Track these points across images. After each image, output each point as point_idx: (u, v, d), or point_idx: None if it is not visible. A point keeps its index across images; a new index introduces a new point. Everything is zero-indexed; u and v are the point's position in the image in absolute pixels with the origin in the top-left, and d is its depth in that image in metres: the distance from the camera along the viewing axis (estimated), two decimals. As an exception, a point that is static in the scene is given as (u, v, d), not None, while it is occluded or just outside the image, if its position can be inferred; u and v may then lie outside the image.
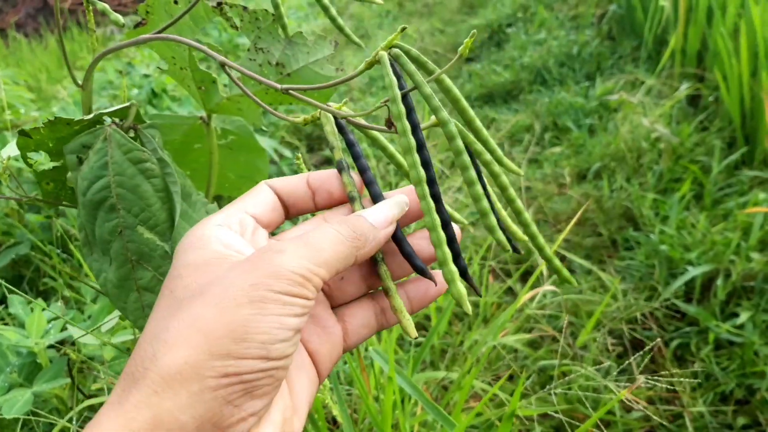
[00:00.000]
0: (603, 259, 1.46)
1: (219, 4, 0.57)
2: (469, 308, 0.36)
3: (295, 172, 2.11)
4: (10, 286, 1.01)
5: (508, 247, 0.40)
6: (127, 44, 0.50)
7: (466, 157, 0.37)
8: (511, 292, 1.34)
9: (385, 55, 0.37)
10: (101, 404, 1.13)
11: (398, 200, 0.37)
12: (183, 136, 0.77)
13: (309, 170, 0.59)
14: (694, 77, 2.00)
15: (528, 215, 0.43)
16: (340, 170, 0.41)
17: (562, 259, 1.46)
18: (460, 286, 0.36)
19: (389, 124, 0.38)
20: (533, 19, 2.77)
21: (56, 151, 0.56)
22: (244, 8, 0.58)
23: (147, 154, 0.51)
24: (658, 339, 0.89)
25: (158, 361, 0.27)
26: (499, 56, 2.58)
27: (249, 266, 0.29)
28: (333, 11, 0.55)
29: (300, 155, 0.55)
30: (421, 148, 0.38)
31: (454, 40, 2.77)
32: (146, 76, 2.40)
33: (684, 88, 1.85)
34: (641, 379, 0.68)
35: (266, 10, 0.58)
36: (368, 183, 0.41)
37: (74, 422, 0.97)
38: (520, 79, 2.34)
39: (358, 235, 0.33)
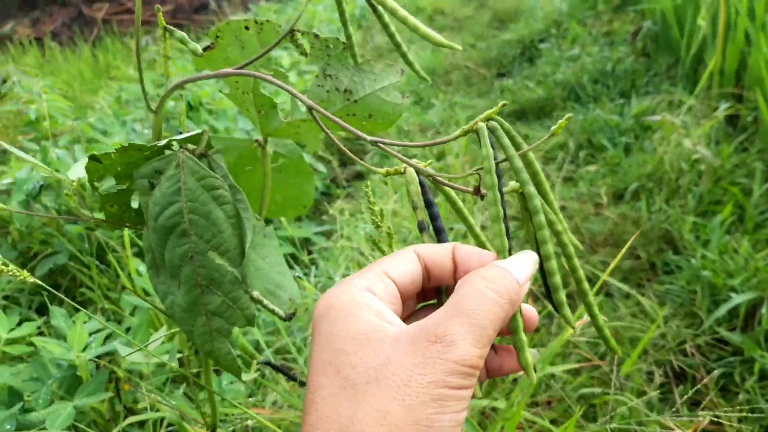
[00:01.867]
0: (642, 282, 1.44)
1: (291, 31, 0.58)
2: (534, 379, 0.36)
3: (328, 188, 2.14)
4: (56, 292, 1.02)
5: (574, 324, 0.40)
6: (206, 77, 0.51)
7: (547, 232, 0.38)
8: (549, 314, 1.33)
9: (484, 127, 0.38)
10: (144, 422, 1.14)
11: (534, 257, 0.37)
12: (236, 158, 0.78)
13: (369, 195, 0.59)
14: (733, 97, 1.97)
15: (587, 285, 0.43)
16: (422, 230, 0.42)
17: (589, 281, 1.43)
18: (529, 355, 0.37)
19: (477, 191, 0.39)
20: (566, 35, 2.76)
21: (124, 175, 0.57)
22: (316, 36, 0.58)
23: (219, 181, 0.51)
24: (702, 370, 0.87)
25: None
26: (532, 72, 2.58)
27: (421, 358, 0.30)
28: (404, 48, 0.56)
29: (368, 185, 0.55)
30: (504, 217, 0.39)
31: (485, 54, 2.77)
32: (182, 88, 2.44)
33: (723, 108, 1.82)
34: (706, 420, 0.66)
35: (337, 38, 0.59)
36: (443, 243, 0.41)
37: (119, 437, 0.97)
38: (553, 96, 2.33)
39: (513, 299, 0.33)
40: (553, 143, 2.02)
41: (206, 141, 0.54)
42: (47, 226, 1.86)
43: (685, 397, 0.99)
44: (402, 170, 0.48)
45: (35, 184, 1.69)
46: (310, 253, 1.63)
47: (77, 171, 0.60)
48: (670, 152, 1.66)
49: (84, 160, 0.64)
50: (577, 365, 0.96)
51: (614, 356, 1.16)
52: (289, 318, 0.57)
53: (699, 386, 1.08)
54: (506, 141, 0.38)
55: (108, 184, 0.60)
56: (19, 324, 1.30)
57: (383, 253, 0.68)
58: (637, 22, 2.68)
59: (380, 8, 0.50)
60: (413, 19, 0.47)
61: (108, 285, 1.61)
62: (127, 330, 1.32)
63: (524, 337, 0.36)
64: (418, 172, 0.44)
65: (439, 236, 0.42)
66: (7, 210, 0.56)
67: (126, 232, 1.33)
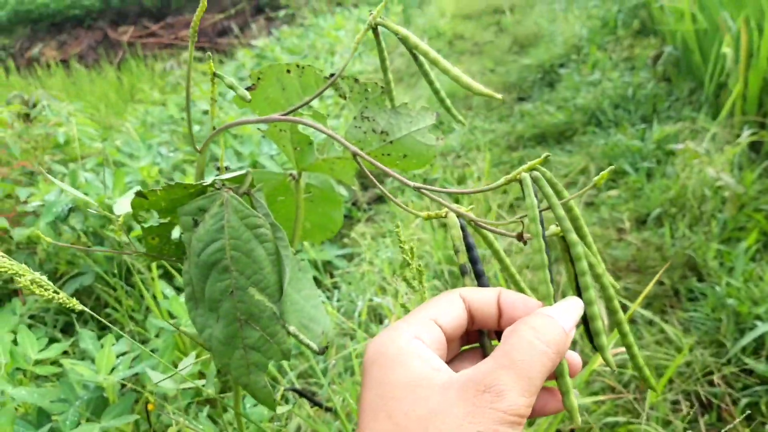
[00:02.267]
0: (665, 309, 1.43)
1: (332, 75, 0.60)
2: (579, 421, 0.37)
3: (350, 211, 2.15)
4: (91, 312, 1.04)
5: (615, 366, 0.41)
6: (253, 121, 0.53)
7: (589, 278, 0.39)
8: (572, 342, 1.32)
9: (527, 177, 0.39)
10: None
11: (579, 303, 0.37)
12: (269, 189, 0.80)
13: (399, 233, 0.61)
14: (755, 123, 1.96)
15: (627, 326, 0.44)
16: (464, 274, 0.43)
17: (623, 308, 1.43)
18: (573, 398, 0.38)
19: (521, 237, 0.40)
20: (586, 60, 2.78)
21: (167, 210, 0.59)
22: (356, 80, 0.60)
23: (262, 220, 0.53)
24: (728, 399, 0.86)
25: None
26: (552, 96, 2.59)
27: (471, 407, 0.31)
28: (437, 85, 0.57)
29: (399, 225, 0.56)
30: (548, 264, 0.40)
31: (505, 79, 2.80)
32: (205, 112, 2.49)
33: (746, 135, 1.82)
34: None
35: (376, 83, 0.61)
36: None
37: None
38: (573, 120, 2.33)
39: (560, 350, 0.33)
40: (575, 168, 2.03)
41: (249, 181, 0.56)
42: (71, 249, 1.90)
43: (710, 424, 0.98)
44: (443, 215, 0.49)
45: (64, 207, 1.73)
46: (332, 276, 1.64)
47: (123, 206, 0.62)
48: (693, 179, 1.65)
49: (129, 196, 0.66)
50: (603, 397, 0.96)
51: (641, 386, 1.15)
52: (322, 352, 0.59)
53: (722, 413, 1.07)
54: (549, 190, 0.39)
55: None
56: (48, 344, 1.33)
57: (414, 289, 0.70)
58: (657, 47, 2.69)
59: (421, 58, 0.52)
60: (455, 71, 0.48)
61: (133, 306, 1.63)
62: (152, 351, 1.34)
63: (569, 381, 0.36)
64: (459, 216, 0.45)
65: (480, 280, 0.43)
66: (47, 241, 0.58)
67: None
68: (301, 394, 0.86)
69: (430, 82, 0.61)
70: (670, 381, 1.20)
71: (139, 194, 0.56)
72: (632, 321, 1.40)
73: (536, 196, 0.40)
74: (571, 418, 0.38)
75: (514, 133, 2.40)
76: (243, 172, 0.55)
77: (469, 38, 3.21)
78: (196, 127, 2.26)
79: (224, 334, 0.54)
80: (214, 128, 0.55)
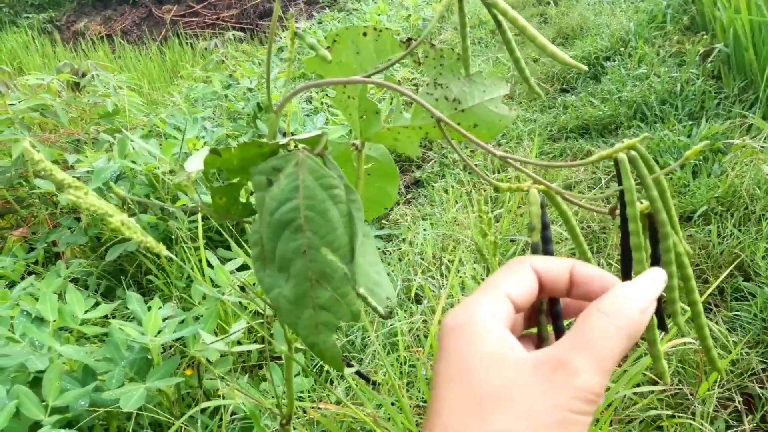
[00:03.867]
0: (710, 307, 1.41)
1: (409, 39, 0.60)
2: (668, 380, 0.37)
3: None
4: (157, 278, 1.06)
5: (669, 381, 0.42)
6: (334, 82, 0.53)
7: (672, 255, 0.39)
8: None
9: (624, 158, 0.39)
10: (219, 407, 1.18)
11: (660, 276, 0.36)
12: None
13: (481, 203, 0.61)
14: (810, 123, 1.90)
15: (701, 306, 0.43)
16: (535, 252, 0.43)
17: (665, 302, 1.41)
18: (664, 364, 0.38)
19: (613, 212, 0.40)
20: (633, 54, 2.72)
21: (238, 169, 0.60)
22: (432, 45, 0.60)
23: (337, 181, 0.54)
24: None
25: None
26: (596, 89, 2.54)
27: (546, 383, 0.31)
28: (522, 63, 0.57)
29: (482, 195, 0.56)
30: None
31: (549, 69, 2.76)
32: (250, 90, 2.51)
33: (799, 134, 1.77)
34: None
35: (452, 48, 0.61)
36: None
37: (198, 421, 1.01)
38: (618, 114, 2.29)
39: (636, 331, 0.33)
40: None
41: (324, 142, 0.56)
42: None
43: (754, 421, 0.97)
44: (525, 188, 0.49)
45: (112, 174, 1.77)
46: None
47: (193, 164, 0.63)
48: (745, 177, 1.62)
49: (200, 153, 0.67)
50: (653, 388, 0.95)
51: (677, 377, 1.14)
52: (388, 316, 0.59)
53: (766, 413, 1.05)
54: (644, 171, 0.39)
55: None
56: (94, 306, 1.37)
57: (486, 261, 0.70)
58: (707, 44, 2.62)
59: (505, 25, 0.52)
60: (541, 38, 0.48)
61: (175, 274, 1.67)
62: (196, 318, 1.37)
63: (660, 348, 0.36)
64: (542, 190, 0.45)
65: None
66: (120, 194, 0.59)
67: (200, 225, 1.38)
68: (347, 365, 0.87)
69: (512, 50, 0.60)
70: (716, 379, 1.18)
71: (213, 151, 0.57)
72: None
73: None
74: (663, 379, 0.38)
75: (557, 124, 2.37)
76: (318, 133, 0.56)
77: (512, 28, 3.16)
78: (240, 104, 2.29)
79: (294, 294, 0.55)
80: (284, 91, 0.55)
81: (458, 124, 0.65)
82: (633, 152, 0.40)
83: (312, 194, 0.54)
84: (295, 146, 0.57)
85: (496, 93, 0.63)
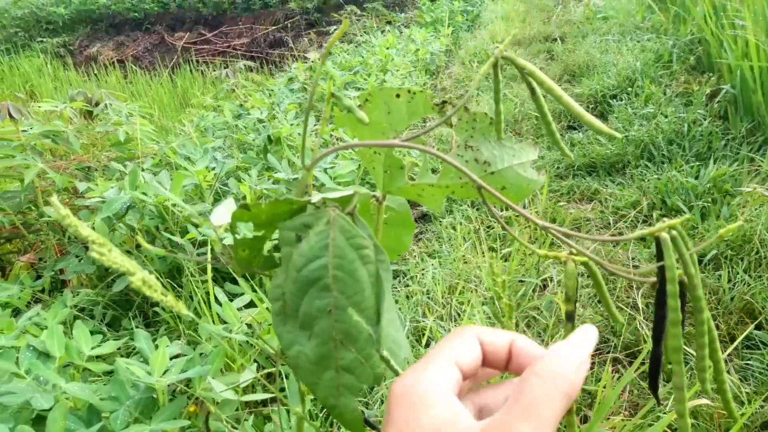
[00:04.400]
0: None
1: (443, 102, 0.60)
2: None
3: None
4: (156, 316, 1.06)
5: None
6: (371, 144, 0.54)
7: (707, 338, 0.39)
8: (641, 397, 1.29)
9: (667, 238, 0.39)
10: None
11: (592, 333, 0.37)
12: (349, 210, 0.81)
13: (493, 266, 0.61)
14: (818, 168, 1.91)
15: (723, 365, 0.44)
16: (569, 320, 0.44)
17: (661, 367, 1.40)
18: (688, 421, 0.39)
19: (655, 285, 0.41)
20: (640, 93, 2.75)
21: (265, 224, 0.60)
22: (466, 109, 0.61)
23: (367, 241, 0.54)
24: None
25: None
26: (604, 128, 2.56)
27: None
28: (554, 127, 0.58)
29: (493, 261, 0.57)
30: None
31: (554, 106, 2.78)
32: (260, 121, 2.53)
33: (809, 180, 1.77)
34: None
35: (485, 113, 0.62)
36: None
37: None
38: (625, 153, 2.31)
39: (573, 390, 0.34)
40: (626, 202, 2.00)
41: (355, 202, 0.57)
42: (125, 244, 1.95)
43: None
44: (562, 259, 0.49)
45: (123, 205, 1.77)
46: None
47: (220, 217, 0.64)
48: (755, 221, 1.62)
49: (226, 204, 0.68)
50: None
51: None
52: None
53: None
54: (685, 251, 0.39)
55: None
56: (95, 338, 1.35)
57: (503, 325, 0.70)
58: (713, 84, 2.65)
59: (539, 92, 0.53)
60: (577, 107, 0.49)
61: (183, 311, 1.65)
62: (202, 355, 1.36)
63: (686, 405, 0.37)
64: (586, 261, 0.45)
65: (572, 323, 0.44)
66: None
67: (209, 261, 1.38)
68: (369, 424, 0.86)
69: (544, 114, 0.61)
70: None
71: (243, 206, 0.57)
72: (687, 363, 1.37)
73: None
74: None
75: (564, 162, 2.39)
76: (349, 192, 0.56)
77: (511, 68, 3.22)
78: (250, 135, 2.30)
79: (316, 354, 0.55)
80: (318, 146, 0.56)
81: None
82: (674, 232, 0.40)
83: (342, 253, 0.54)
84: (324, 203, 0.58)
85: (525, 157, 0.63)
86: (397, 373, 0.57)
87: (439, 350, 0.38)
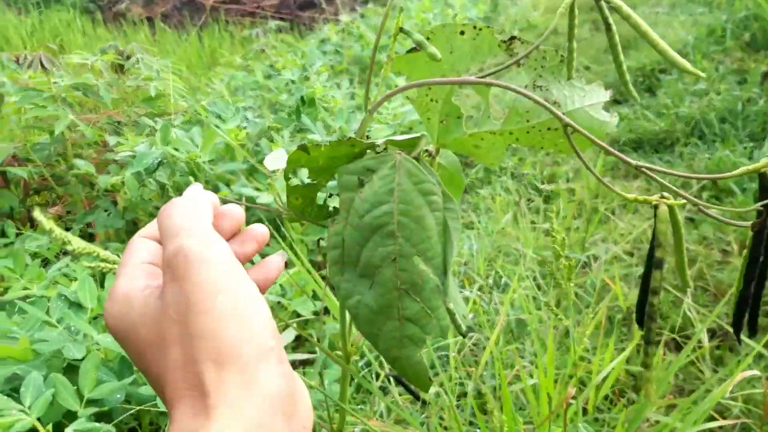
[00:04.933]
0: (773, 340, 1.32)
1: (512, 39, 0.54)
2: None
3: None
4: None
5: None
6: (443, 82, 0.48)
7: None
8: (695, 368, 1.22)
9: None
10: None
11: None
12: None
13: (553, 221, 0.55)
14: None
15: None
16: (658, 267, 0.41)
17: (725, 335, 1.33)
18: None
19: (755, 227, 0.40)
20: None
21: (322, 169, 0.55)
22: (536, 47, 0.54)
23: (436, 187, 0.49)
24: None
25: (209, 382, 0.30)
26: (651, 102, 2.45)
27: (170, 274, 0.34)
28: (624, 68, 0.51)
29: (555, 210, 0.51)
30: None
31: (601, 79, 2.67)
32: (292, 82, 2.47)
33: None
34: None
35: (555, 50, 0.55)
36: None
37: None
38: (675, 130, 2.20)
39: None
40: (675, 181, 1.91)
41: (422, 145, 0.51)
42: (154, 200, 1.92)
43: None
44: (654, 202, 0.44)
45: (154, 160, 1.74)
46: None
47: (274, 161, 0.58)
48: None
49: (279, 151, 0.62)
50: (720, 423, 0.88)
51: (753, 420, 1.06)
52: (465, 334, 0.54)
53: None
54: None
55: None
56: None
57: (561, 288, 0.64)
58: (769, 62, 2.51)
59: (614, 29, 0.46)
60: (663, 44, 0.42)
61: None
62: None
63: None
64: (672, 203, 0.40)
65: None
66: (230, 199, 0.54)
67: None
68: (401, 383, 0.82)
69: (617, 55, 0.54)
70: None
71: (301, 148, 0.51)
72: (731, 350, 1.30)
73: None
74: None
75: (609, 136, 2.29)
76: (417, 135, 0.51)
77: (562, 33, 3.08)
78: (283, 96, 2.25)
79: (378, 303, 0.50)
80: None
81: (555, 129, 0.59)
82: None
83: (408, 199, 0.48)
84: (384, 149, 0.52)
85: (596, 99, 0.57)
86: (459, 329, 0.52)
87: (132, 244, 0.40)
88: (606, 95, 0.57)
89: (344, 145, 0.51)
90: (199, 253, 0.33)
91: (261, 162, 1.93)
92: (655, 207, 0.44)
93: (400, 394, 1.00)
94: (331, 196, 0.57)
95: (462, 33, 0.57)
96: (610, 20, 0.46)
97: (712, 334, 1.33)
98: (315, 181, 0.57)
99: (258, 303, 0.33)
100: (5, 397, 0.94)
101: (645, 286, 0.46)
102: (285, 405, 0.30)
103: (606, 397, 1.09)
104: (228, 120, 1.98)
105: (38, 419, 0.90)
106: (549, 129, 0.57)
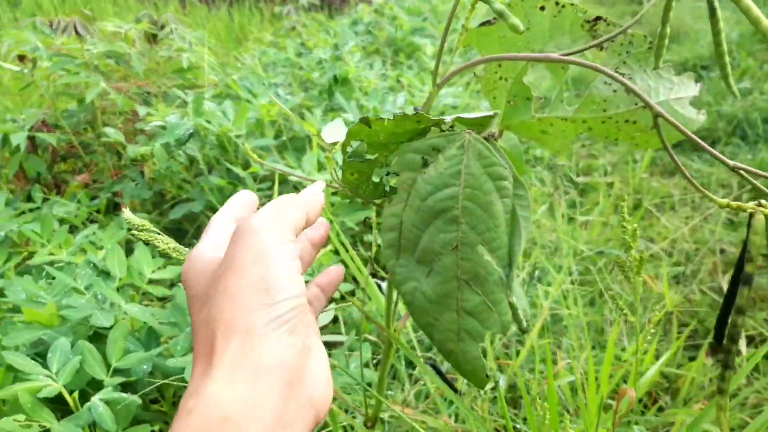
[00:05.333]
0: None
1: (597, 19, 0.50)
2: None
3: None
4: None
5: None
6: (519, 57, 0.45)
7: None
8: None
9: None
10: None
11: (319, 183, 0.46)
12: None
13: (624, 211, 0.52)
14: None
15: None
16: (746, 283, 0.37)
17: (762, 340, 1.29)
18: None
19: None
20: (735, 66, 2.54)
21: (382, 144, 0.52)
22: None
23: (507, 171, 0.46)
24: None
25: (219, 337, 0.32)
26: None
27: (238, 236, 0.36)
28: (727, 58, 0.47)
29: (625, 201, 0.47)
30: None
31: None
32: (324, 60, 2.44)
33: None
34: None
35: (645, 35, 0.52)
36: None
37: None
38: (716, 128, 2.13)
39: (306, 204, 0.41)
40: (714, 179, 1.86)
41: (494, 125, 0.48)
42: (183, 173, 1.91)
43: None
44: (749, 210, 0.40)
45: (185, 131, 1.72)
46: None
47: (331, 134, 0.56)
48: None
49: (336, 123, 0.60)
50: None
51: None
52: (526, 330, 0.51)
53: None
54: None
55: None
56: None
57: (628, 280, 0.61)
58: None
59: (719, 13, 0.42)
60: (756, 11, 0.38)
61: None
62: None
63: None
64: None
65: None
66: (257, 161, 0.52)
67: (275, 192, 1.32)
68: (438, 372, 0.79)
69: (719, 43, 0.50)
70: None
71: (363, 120, 0.49)
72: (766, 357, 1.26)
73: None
74: None
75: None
76: (489, 113, 0.47)
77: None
78: (315, 74, 2.21)
79: (436, 292, 0.48)
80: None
81: (634, 122, 0.56)
82: None
83: (476, 183, 0.45)
84: (451, 127, 0.49)
85: (684, 92, 0.53)
86: (521, 324, 0.49)
87: (213, 220, 0.42)
88: (696, 89, 0.53)
89: (409, 120, 0.48)
90: (255, 225, 0.35)
91: (292, 139, 1.91)
92: (750, 215, 0.41)
93: (432, 383, 0.98)
94: (388, 174, 0.54)
95: (542, 8, 0.53)
96: (716, 4, 0.42)
97: (749, 340, 1.29)
98: (373, 157, 0.54)
99: (290, 281, 0.34)
100: (33, 362, 0.94)
101: (729, 303, 0.43)
102: (286, 374, 0.32)
103: (639, 400, 1.06)
104: (259, 95, 1.96)
105: (64, 386, 0.90)
106: (627, 121, 0.54)
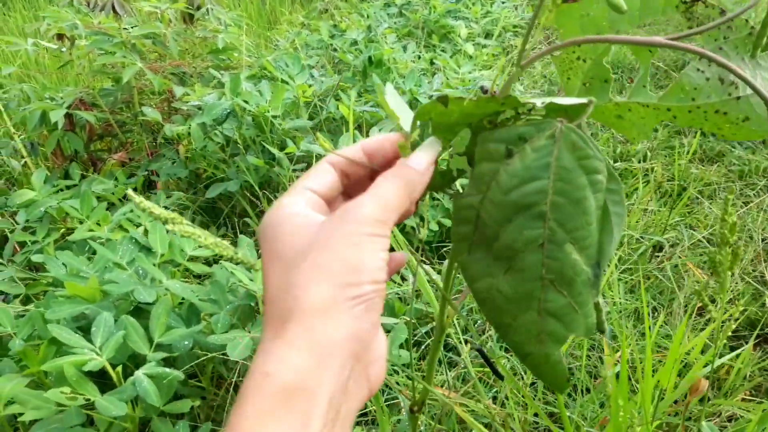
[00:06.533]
0: None
1: (695, 0, 0.47)
2: None
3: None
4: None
5: None
6: (616, 40, 0.42)
7: None
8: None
9: None
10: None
11: (435, 143, 0.44)
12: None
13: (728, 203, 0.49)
14: None
15: None
16: None
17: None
18: None
19: None
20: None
21: (450, 126, 0.49)
22: (722, 12, 0.47)
23: (602, 165, 0.43)
24: None
25: (301, 303, 0.33)
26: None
27: (340, 220, 0.36)
28: None
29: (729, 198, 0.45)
30: None
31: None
32: (357, 42, 2.41)
33: None
34: None
35: (746, 20, 0.48)
36: None
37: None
38: (760, 117, 2.06)
39: (414, 189, 0.40)
40: (755, 166, 1.80)
41: (588, 114, 0.46)
42: (219, 153, 1.91)
43: None
44: None
45: (223, 111, 1.72)
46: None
47: (392, 96, 0.52)
48: None
49: (388, 87, 0.56)
50: None
51: None
52: (603, 330, 0.49)
53: None
54: None
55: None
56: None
57: (719, 277, 0.58)
58: None
59: None
60: None
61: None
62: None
63: None
64: None
65: None
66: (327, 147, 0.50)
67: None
68: (485, 358, 0.78)
69: None
70: None
71: (440, 99, 0.46)
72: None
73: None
74: None
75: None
76: (584, 100, 0.45)
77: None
78: (349, 55, 2.19)
79: (515, 291, 0.45)
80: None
81: (725, 113, 0.52)
82: None
83: (568, 177, 0.43)
84: (530, 111, 0.47)
85: (787, 85, 0.50)
86: (602, 326, 0.47)
87: (293, 185, 0.41)
88: (804, 84, 0.50)
89: (493, 102, 0.45)
90: (359, 218, 0.36)
91: (326, 120, 1.89)
92: None
93: (473, 367, 0.96)
94: (452, 157, 0.51)
95: (629, -17, 0.50)
96: None
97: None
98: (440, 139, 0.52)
99: (378, 269, 0.36)
100: (78, 336, 0.95)
101: None
102: (356, 348, 0.34)
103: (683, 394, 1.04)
104: (295, 76, 1.94)
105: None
106: (717, 112, 0.51)
